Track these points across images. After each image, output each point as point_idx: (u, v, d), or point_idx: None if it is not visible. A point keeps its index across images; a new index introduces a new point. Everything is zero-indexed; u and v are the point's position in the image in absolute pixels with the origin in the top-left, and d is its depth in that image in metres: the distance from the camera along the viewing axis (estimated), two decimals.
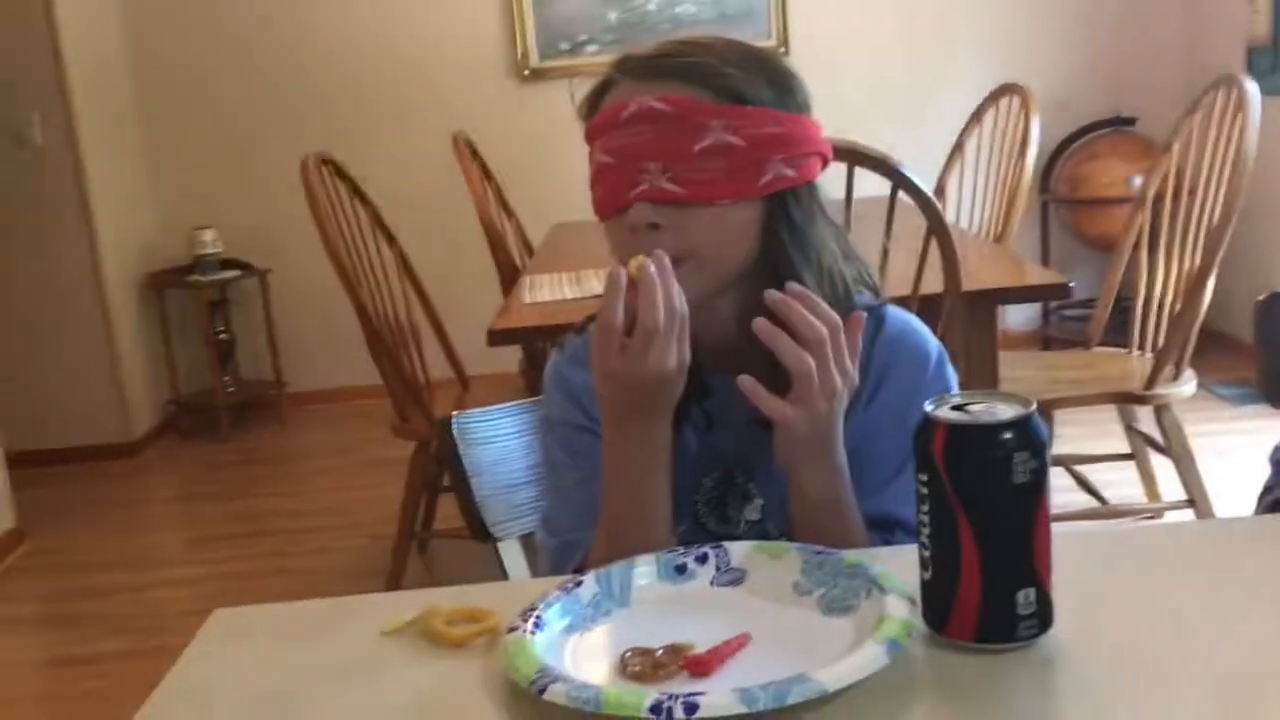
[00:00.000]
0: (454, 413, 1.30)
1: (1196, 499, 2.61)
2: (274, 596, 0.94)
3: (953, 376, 1.09)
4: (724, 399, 1.05)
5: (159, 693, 0.79)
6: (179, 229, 4.56)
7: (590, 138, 1.05)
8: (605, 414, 1.00)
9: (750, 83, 1.01)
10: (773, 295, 0.94)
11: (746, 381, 0.94)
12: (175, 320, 4.57)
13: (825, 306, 0.94)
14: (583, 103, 1.07)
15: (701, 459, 1.09)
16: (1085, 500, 2.92)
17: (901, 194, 1.97)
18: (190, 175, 4.65)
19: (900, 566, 0.81)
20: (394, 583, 2.77)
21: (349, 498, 3.72)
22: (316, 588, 2.98)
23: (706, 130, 0.98)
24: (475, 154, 3.65)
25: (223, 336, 4.59)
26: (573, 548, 1.07)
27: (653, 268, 0.93)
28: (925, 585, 0.77)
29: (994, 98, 3.38)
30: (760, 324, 0.93)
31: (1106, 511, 2.88)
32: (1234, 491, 2.93)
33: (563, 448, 1.12)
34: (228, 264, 4.53)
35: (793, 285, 0.96)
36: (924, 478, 0.74)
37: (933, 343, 1.09)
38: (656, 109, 0.99)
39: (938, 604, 0.76)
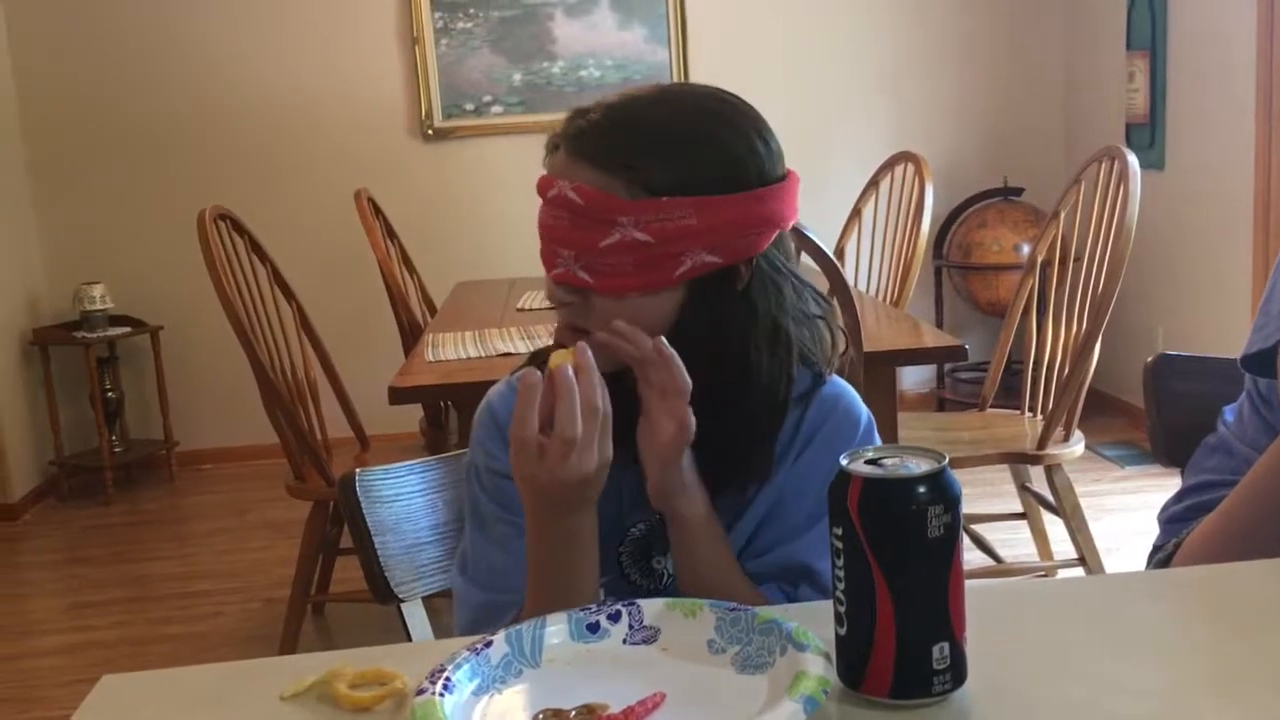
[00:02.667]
0: (357, 469, 1.27)
1: (1087, 556, 2.68)
2: (161, 664, 0.90)
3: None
4: None
5: None
6: (66, 283, 4.41)
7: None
8: (527, 511, 1.00)
9: (673, 170, 0.99)
10: (616, 327, 0.99)
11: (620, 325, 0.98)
12: (59, 378, 4.41)
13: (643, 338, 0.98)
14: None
15: (628, 509, 1.09)
16: (981, 559, 2.98)
17: (803, 256, 2.01)
18: (80, 228, 4.52)
19: (814, 623, 0.81)
20: (288, 648, 2.68)
21: (241, 560, 3.61)
22: (207, 654, 2.87)
23: (614, 226, 0.99)
24: (378, 211, 3.62)
25: (110, 394, 4.43)
26: (505, 609, 1.05)
27: (570, 370, 0.92)
28: (840, 640, 0.77)
29: (889, 165, 3.48)
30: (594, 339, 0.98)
31: (1002, 570, 2.93)
32: (1121, 549, 3.02)
33: (491, 498, 1.10)
34: (117, 320, 4.40)
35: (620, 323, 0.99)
36: (839, 531, 0.75)
37: (864, 410, 1.12)
38: (571, 199, 1.00)
39: (853, 659, 0.76)
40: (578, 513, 0.98)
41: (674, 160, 1.00)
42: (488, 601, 1.07)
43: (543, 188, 1.04)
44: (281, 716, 0.79)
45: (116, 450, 4.42)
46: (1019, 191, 4.63)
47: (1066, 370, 2.65)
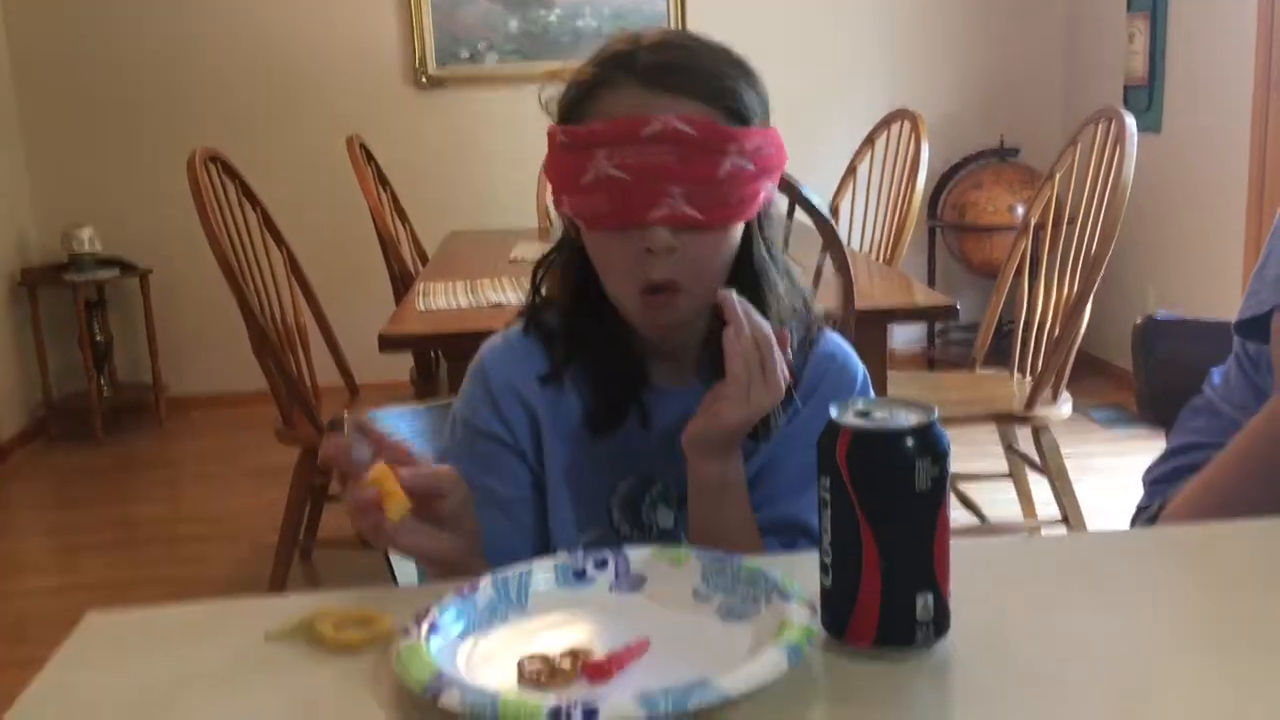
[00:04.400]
0: (345, 411, 1.26)
1: (1070, 516, 2.70)
2: (149, 605, 0.90)
3: None
4: (663, 409, 1.08)
5: (26, 697, 0.75)
6: (54, 225, 4.38)
7: (585, 142, 0.99)
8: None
9: (748, 100, 1.00)
10: (725, 296, 0.97)
11: (730, 295, 0.96)
12: (48, 320, 4.38)
13: (760, 320, 0.97)
14: (564, 99, 1.03)
15: (623, 461, 1.09)
16: (966, 517, 2.99)
17: (798, 212, 2.00)
18: (69, 169, 4.48)
19: (800, 573, 0.81)
20: (276, 591, 2.69)
21: (230, 505, 3.61)
22: (194, 597, 2.87)
23: (725, 156, 0.98)
24: (370, 158, 3.59)
25: (99, 338, 4.42)
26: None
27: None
28: (825, 591, 0.77)
29: (885, 123, 3.46)
30: (728, 334, 0.96)
31: (986, 529, 2.96)
32: (1105, 510, 3.04)
33: (462, 452, 1.10)
34: (106, 262, 4.37)
35: (734, 293, 0.98)
36: (826, 482, 0.75)
37: (861, 367, 1.13)
38: (683, 131, 0.96)
39: (837, 609, 0.76)
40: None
41: (751, 91, 1.01)
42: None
43: (634, 126, 0.96)
44: (266, 656, 0.79)
45: (105, 394, 4.41)
46: (1015, 152, 4.62)
47: (1057, 331, 2.66)
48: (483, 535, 0.99)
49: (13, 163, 4.39)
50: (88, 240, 4.30)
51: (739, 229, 1.03)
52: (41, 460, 4.22)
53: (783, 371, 0.98)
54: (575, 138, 0.99)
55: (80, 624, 0.85)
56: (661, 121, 0.96)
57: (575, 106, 1.01)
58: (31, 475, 4.09)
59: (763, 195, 1.02)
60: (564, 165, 1.01)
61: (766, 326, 0.97)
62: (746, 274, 1.04)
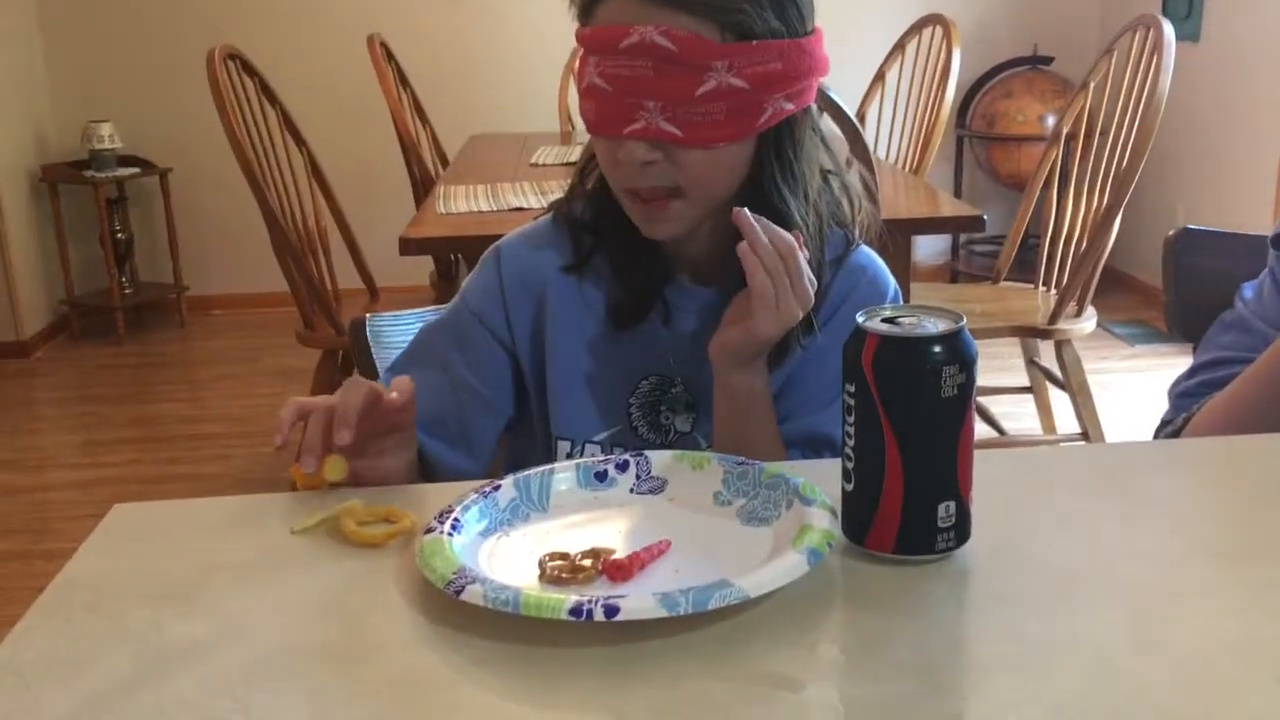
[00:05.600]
0: (367, 314, 1.26)
1: (1091, 432, 2.69)
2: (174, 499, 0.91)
3: None
4: (686, 309, 1.08)
5: (55, 586, 0.76)
6: (74, 121, 4.35)
7: (584, 46, 0.99)
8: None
9: (758, 14, 0.96)
10: (739, 214, 0.96)
11: (744, 213, 0.96)
12: (69, 217, 4.39)
13: (779, 231, 0.97)
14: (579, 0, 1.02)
15: (644, 361, 1.09)
16: (985, 430, 3.00)
17: (825, 118, 1.96)
18: (88, 65, 4.43)
19: (821, 480, 0.81)
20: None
21: (251, 405, 3.65)
22: (216, 494, 2.92)
23: (709, 72, 0.95)
24: (391, 58, 3.54)
25: (120, 236, 4.42)
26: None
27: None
28: (847, 496, 0.77)
29: (917, 28, 3.38)
30: (742, 247, 0.95)
31: (1005, 442, 2.96)
32: (1126, 427, 3.04)
33: (451, 329, 1.11)
34: (126, 160, 4.35)
35: (747, 211, 0.97)
36: (851, 388, 0.74)
37: (892, 281, 1.11)
38: (660, 45, 0.94)
39: (858, 515, 0.76)
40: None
41: (760, 3, 0.96)
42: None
43: (614, 36, 0.95)
44: (291, 549, 0.80)
45: (127, 291, 4.43)
46: (1048, 60, 4.51)
47: (1084, 246, 2.62)
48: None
49: (32, 59, 4.35)
50: (108, 137, 4.27)
51: (743, 143, 1.00)
52: (64, 357, 4.26)
53: (809, 277, 0.97)
54: (578, 41, 1.00)
55: (107, 515, 0.86)
56: (639, 33, 0.94)
57: (586, 9, 1.01)
58: (55, 371, 4.14)
59: (769, 113, 0.98)
60: (577, 68, 1.02)
61: (787, 237, 0.97)
62: (761, 187, 1.02)
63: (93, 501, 2.92)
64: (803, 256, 0.97)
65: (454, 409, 1.07)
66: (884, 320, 0.74)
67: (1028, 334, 2.73)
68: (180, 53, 4.26)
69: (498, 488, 0.84)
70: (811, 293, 0.97)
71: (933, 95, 3.20)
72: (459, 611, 0.69)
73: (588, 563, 0.75)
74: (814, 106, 1.05)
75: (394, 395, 0.91)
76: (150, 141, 4.43)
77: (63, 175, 4.31)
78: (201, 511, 0.89)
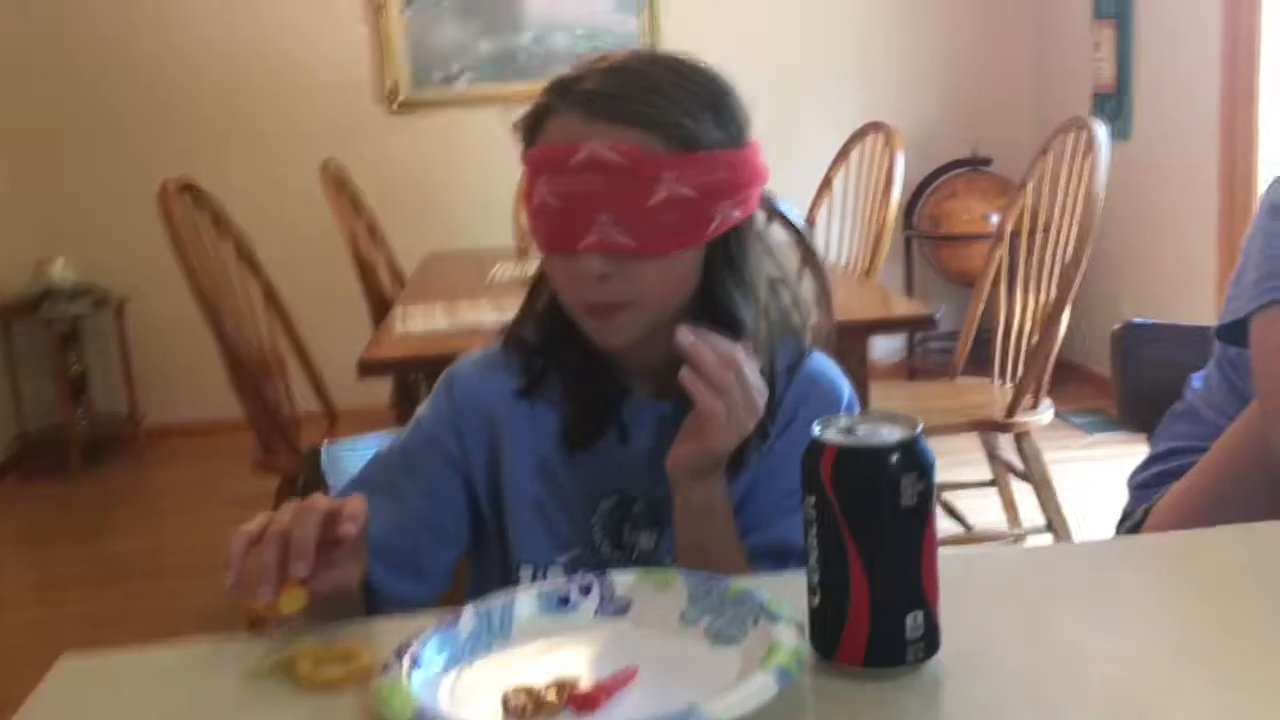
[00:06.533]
0: (324, 441, 1.25)
1: (1055, 523, 2.70)
2: (129, 641, 0.88)
3: None
4: (642, 425, 1.07)
5: None
6: (27, 256, 4.34)
7: (531, 168, 1.01)
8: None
9: (700, 125, 0.98)
10: (681, 339, 0.96)
11: (685, 335, 0.96)
12: (23, 353, 4.33)
13: (725, 344, 0.97)
14: (519, 125, 1.03)
15: (603, 480, 1.08)
16: (951, 526, 2.99)
17: (773, 226, 2.00)
18: (41, 198, 4.43)
19: (787, 593, 0.80)
20: (257, 623, 2.66)
21: (209, 537, 3.56)
22: (174, 631, 2.82)
23: (659, 183, 0.96)
24: (344, 185, 3.58)
25: (75, 368, 4.37)
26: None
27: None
28: (814, 611, 0.76)
29: (860, 135, 3.47)
30: (684, 375, 0.96)
31: (971, 537, 2.95)
32: (1089, 515, 3.05)
33: (402, 452, 1.10)
34: (81, 291, 4.33)
35: (689, 330, 0.97)
36: (812, 500, 0.74)
37: (846, 386, 1.12)
38: (610, 159, 0.96)
39: (827, 630, 0.75)
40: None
41: (702, 114, 0.99)
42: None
43: (563, 154, 0.97)
44: (246, 696, 0.78)
45: (81, 424, 4.36)
46: (987, 161, 4.64)
47: (1035, 338, 2.66)
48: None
49: None
50: (60, 271, 4.25)
51: (693, 253, 1.01)
52: (17, 495, 4.17)
53: (758, 386, 0.97)
54: (526, 162, 1.02)
55: (52, 670, 0.83)
56: (588, 149, 0.96)
57: (529, 131, 1.03)
58: (7, 512, 4.04)
59: (717, 221, 1.00)
60: (525, 188, 1.03)
61: (732, 347, 0.97)
62: (713, 296, 1.03)
63: (48, 643, 2.82)
64: (750, 365, 0.97)
65: (405, 537, 1.05)
66: (840, 430, 0.75)
67: (987, 428, 2.75)
68: (133, 182, 4.27)
69: (458, 618, 0.82)
70: (761, 402, 0.98)
71: (879, 199, 3.27)
72: None
73: (553, 695, 0.73)
74: (758, 215, 1.06)
75: (349, 526, 0.89)
76: (104, 271, 4.42)
77: (15, 313, 4.27)
78: (152, 660, 0.86)
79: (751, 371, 0.97)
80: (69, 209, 4.44)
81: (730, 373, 0.96)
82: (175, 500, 4.03)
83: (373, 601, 0.99)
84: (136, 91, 4.41)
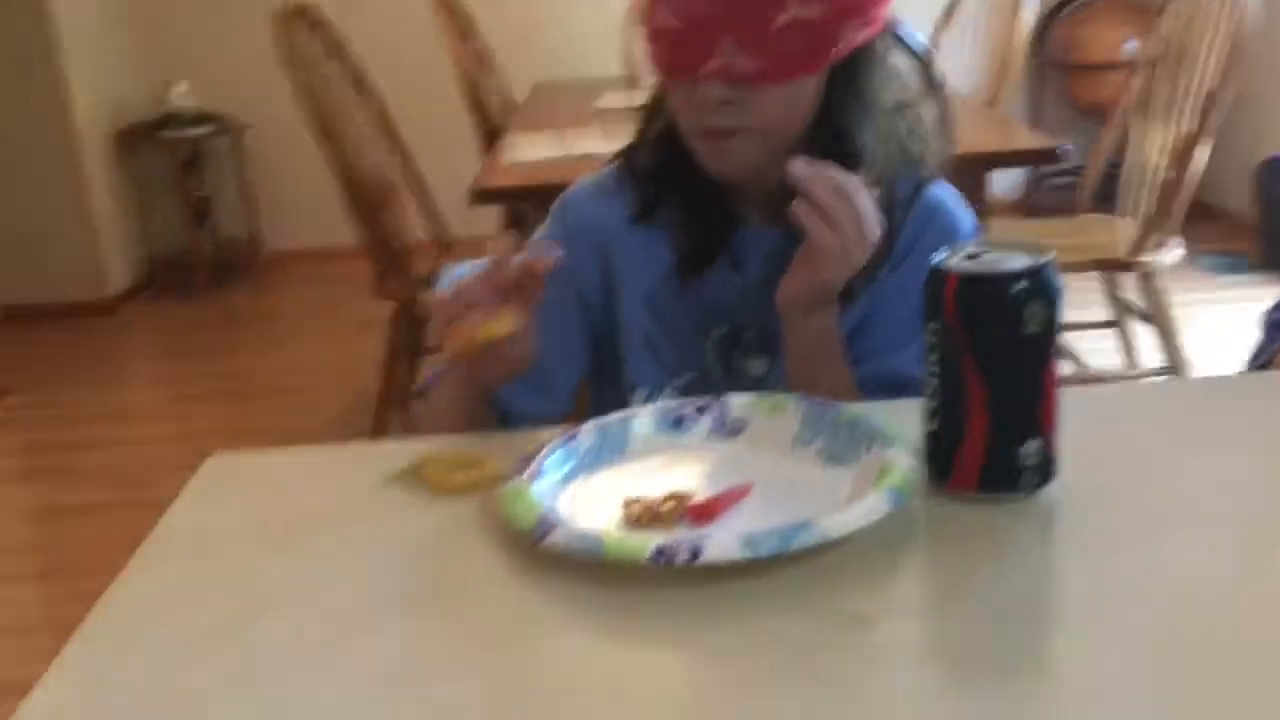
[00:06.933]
0: (444, 262, 1.28)
1: (1176, 366, 2.63)
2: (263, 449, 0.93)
3: None
4: (754, 254, 1.06)
5: (158, 532, 0.79)
6: (151, 82, 4.42)
7: None
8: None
9: None
10: (795, 170, 0.93)
11: (798, 165, 0.93)
12: (149, 177, 4.47)
13: (839, 174, 0.94)
14: None
15: (716, 307, 1.08)
16: (1066, 366, 2.95)
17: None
18: (166, 25, 4.49)
19: (901, 420, 0.81)
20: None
21: (328, 358, 3.71)
22: (299, 444, 2.99)
23: (785, 4, 0.93)
24: (455, 8, 3.53)
25: (199, 194, 4.50)
26: None
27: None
28: (929, 436, 0.76)
29: None
30: (796, 206, 0.93)
31: (1087, 377, 2.90)
32: (1214, 360, 2.96)
33: None
34: (202, 119, 4.41)
35: (802, 160, 0.94)
36: (933, 327, 0.73)
37: (968, 217, 1.09)
38: None
39: (941, 455, 0.75)
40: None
41: None
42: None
43: None
44: (379, 497, 0.82)
45: (206, 249, 4.52)
46: None
47: (1169, 174, 2.55)
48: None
49: (111, 19, 4.41)
50: (184, 95, 4.34)
51: (815, 78, 0.98)
52: (148, 315, 4.37)
53: (874, 217, 0.95)
54: None
55: (204, 465, 0.89)
56: None
57: None
58: (140, 329, 4.24)
59: (842, 43, 0.96)
60: (644, 7, 1.00)
61: (846, 178, 0.94)
62: (832, 122, 1.00)
63: (184, 453, 3.00)
64: (865, 196, 0.95)
65: (535, 358, 1.08)
66: (965, 257, 0.73)
67: (1110, 267, 2.67)
68: (254, 9, 4.28)
69: (578, 434, 0.85)
70: (876, 234, 0.96)
71: (1006, 24, 3.11)
72: (542, 556, 0.71)
73: (670, 506, 0.75)
74: (883, 36, 1.03)
75: (545, 260, 0.89)
76: (226, 98, 4.49)
77: (140, 136, 4.38)
78: (291, 461, 0.91)
79: (865, 203, 0.95)
80: (190, 35, 4.49)
81: (844, 204, 0.93)
82: (295, 322, 4.19)
83: (501, 420, 1.03)
84: None
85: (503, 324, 0.86)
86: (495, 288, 0.87)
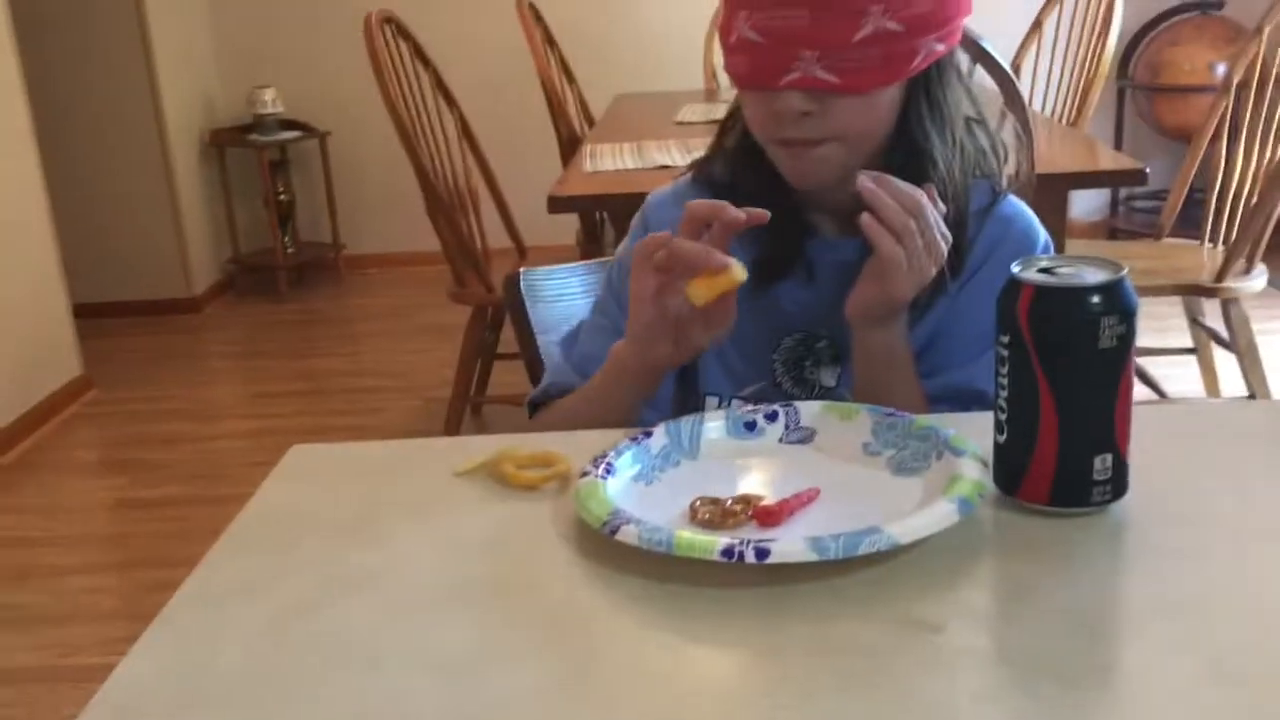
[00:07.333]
0: (521, 268, 1.30)
1: (1258, 394, 2.57)
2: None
3: None
4: (827, 264, 1.07)
5: (242, 518, 0.82)
6: (239, 87, 4.55)
7: (730, 3, 1.00)
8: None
9: None
10: (862, 184, 0.94)
11: (865, 180, 0.94)
12: (235, 179, 4.60)
13: (906, 189, 0.94)
14: None
15: (787, 317, 1.09)
16: (1144, 392, 2.89)
17: (978, 69, 1.91)
18: (252, 32, 4.62)
19: (971, 432, 0.81)
20: None
21: (404, 360, 3.78)
22: None
23: (865, 17, 0.94)
24: (539, 18, 3.59)
25: (282, 197, 4.61)
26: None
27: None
28: (999, 447, 0.77)
29: None
30: (864, 219, 0.94)
31: (1166, 404, 2.85)
32: None
33: (618, 293, 1.12)
34: (287, 124, 4.53)
35: (869, 175, 0.95)
36: (1005, 339, 0.73)
37: (1042, 232, 1.09)
38: None
39: (1011, 466, 0.76)
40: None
41: None
42: (573, 385, 1.10)
43: None
44: (454, 490, 0.84)
45: (289, 251, 4.63)
46: (1220, 4, 4.28)
47: (1255, 199, 2.50)
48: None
49: (199, 25, 4.55)
50: (271, 101, 4.45)
51: (893, 89, 0.99)
52: (231, 313, 4.48)
53: (942, 232, 0.96)
54: None
55: (286, 455, 0.92)
56: None
57: None
58: (223, 326, 4.36)
59: (921, 55, 0.97)
60: (721, 24, 1.02)
61: (915, 192, 0.94)
62: (908, 133, 1.01)
63: (260, 450, 3.08)
64: (933, 211, 0.95)
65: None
66: (1040, 270, 0.74)
67: (1192, 292, 2.62)
68: (338, 19, 4.39)
69: (650, 435, 0.87)
70: (945, 248, 0.96)
71: (1093, 44, 3.08)
72: (613, 551, 0.72)
73: (738, 508, 0.76)
74: (960, 50, 1.03)
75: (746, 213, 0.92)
76: (310, 105, 4.60)
77: (229, 139, 4.51)
78: (371, 454, 0.94)
79: (934, 218, 0.95)
80: (279, 43, 4.60)
81: (911, 219, 0.94)
82: (374, 325, 4.26)
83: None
84: None
85: (740, 271, 0.90)
86: (718, 239, 0.91)
